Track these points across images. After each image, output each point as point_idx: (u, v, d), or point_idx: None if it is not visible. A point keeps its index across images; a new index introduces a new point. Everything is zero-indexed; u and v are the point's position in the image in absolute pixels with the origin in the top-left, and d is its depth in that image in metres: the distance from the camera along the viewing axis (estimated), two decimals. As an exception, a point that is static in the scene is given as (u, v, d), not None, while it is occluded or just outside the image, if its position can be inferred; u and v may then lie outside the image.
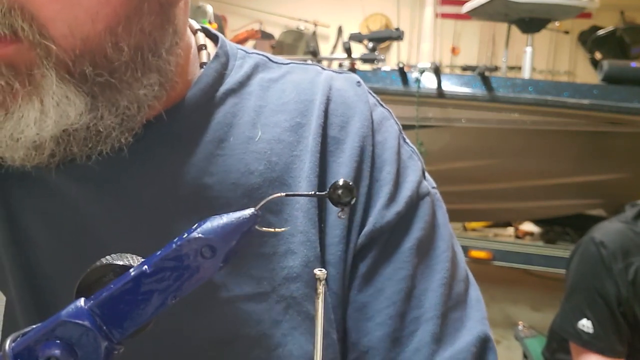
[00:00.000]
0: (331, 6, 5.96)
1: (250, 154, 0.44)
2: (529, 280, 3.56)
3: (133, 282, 0.27)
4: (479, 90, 2.66)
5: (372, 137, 0.47)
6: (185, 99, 0.44)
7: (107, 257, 0.29)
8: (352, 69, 2.89)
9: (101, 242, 0.41)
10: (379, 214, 0.45)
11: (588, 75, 4.77)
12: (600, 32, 4.36)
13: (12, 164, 0.38)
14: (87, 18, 0.34)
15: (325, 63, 3.46)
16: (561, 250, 3.02)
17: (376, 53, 3.12)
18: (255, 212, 0.28)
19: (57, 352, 0.27)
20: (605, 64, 2.67)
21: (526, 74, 3.07)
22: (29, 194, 0.42)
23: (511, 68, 4.01)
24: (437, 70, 2.67)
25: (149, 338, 0.39)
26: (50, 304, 0.41)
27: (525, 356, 1.89)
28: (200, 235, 0.27)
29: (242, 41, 4.67)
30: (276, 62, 0.51)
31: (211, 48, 0.50)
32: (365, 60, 3.09)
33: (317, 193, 0.30)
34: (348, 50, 2.98)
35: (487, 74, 2.71)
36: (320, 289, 0.28)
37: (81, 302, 0.27)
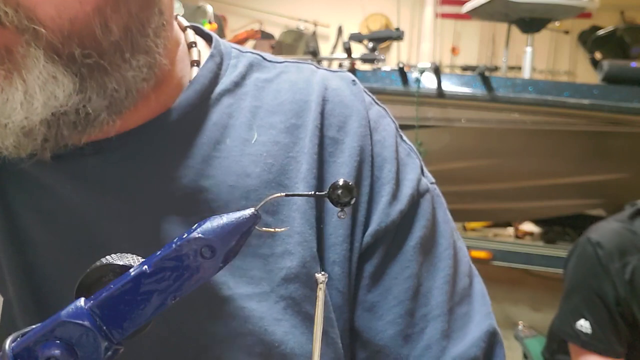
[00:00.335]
0: (331, 6, 5.96)
1: (247, 156, 0.44)
2: (529, 280, 3.56)
3: (133, 282, 0.27)
4: (479, 90, 2.66)
5: (371, 137, 0.48)
6: (181, 100, 0.44)
7: (107, 257, 0.29)
8: (352, 69, 2.89)
9: (99, 242, 0.41)
10: (384, 213, 0.45)
11: (588, 75, 4.77)
12: (601, 32, 4.36)
13: (6, 154, 0.38)
14: None
15: (325, 63, 3.46)
16: (561, 250, 3.02)
17: (376, 53, 3.12)
18: (255, 212, 0.28)
19: (57, 352, 0.26)
20: (606, 64, 2.67)
21: (526, 74, 3.08)
22: (26, 193, 0.42)
23: (511, 68, 4.01)
24: (437, 70, 2.67)
25: (151, 338, 0.39)
26: (49, 304, 0.41)
27: (525, 356, 1.89)
28: (200, 235, 0.27)
29: (242, 41, 4.66)
30: (270, 61, 0.51)
31: (203, 46, 0.49)
32: (365, 60, 3.09)
33: (317, 193, 0.30)
34: (348, 50, 2.98)
35: (487, 74, 2.71)
36: (320, 294, 0.28)
37: (81, 302, 0.27)
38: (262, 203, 0.28)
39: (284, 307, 0.42)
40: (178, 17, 0.49)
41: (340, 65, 3.11)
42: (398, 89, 2.69)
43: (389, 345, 0.44)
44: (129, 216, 0.41)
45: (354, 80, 0.51)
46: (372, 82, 2.69)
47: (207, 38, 0.51)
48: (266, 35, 5.45)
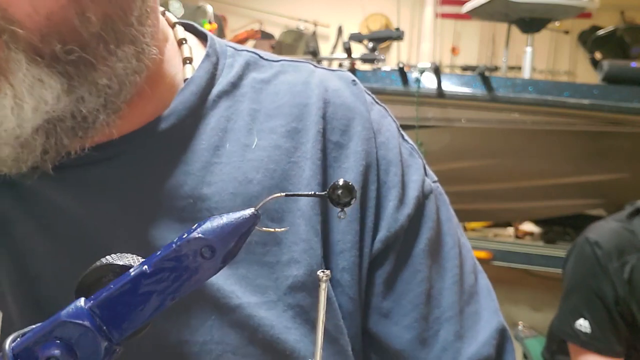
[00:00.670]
0: (331, 6, 5.96)
1: (248, 162, 0.43)
2: (529, 280, 3.56)
3: (133, 283, 0.27)
4: (479, 90, 2.66)
5: (375, 139, 0.47)
6: (177, 102, 0.43)
7: (107, 257, 0.29)
8: (352, 69, 2.89)
9: (100, 251, 0.40)
10: (392, 218, 0.45)
11: (588, 75, 4.76)
12: (601, 32, 4.36)
13: (6, 171, 0.36)
14: None
15: (325, 63, 3.46)
16: (561, 251, 3.02)
17: (376, 53, 3.12)
18: (255, 212, 0.28)
19: (56, 352, 0.26)
20: (606, 64, 2.67)
21: (526, 73, 3.07)
22: (23, 203, 0.41)
23: (511, 68, 4.01)
24: (437, 70, 2.67)
25: (161, 347, 0.39)
26: (52, 315, 0.40)
27: (525, 356, 1.89)
28: (200, 235, 0.27)
29: (242, 41, 4.66)
30: (267, 60, 0.50)
31: (195, 44, 0.48)
32: (365, 60, 3.09)
33: (317, 193, 0.29)
34: (348, 50, 2.97)
35: (487, 74, 2.71)
36: (322, 293, 0.28)
37: (81, 302, 0.27)
38: (262, 203, 0.28)
39: (292, 316, 0.41)
40: (166, 13, 0.48)
41: (340, 65, 3.10)
42: (398, 89, 2.69)
43: (406, 349, 0.45)
44: (130, 225, 0.40)
45: (354, 80, 0.51)
46: (372, 82, 2.69)
47: (201, 36, 0.50)
48: (266, 35, 5.45)
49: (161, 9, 0.46)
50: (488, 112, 2.69)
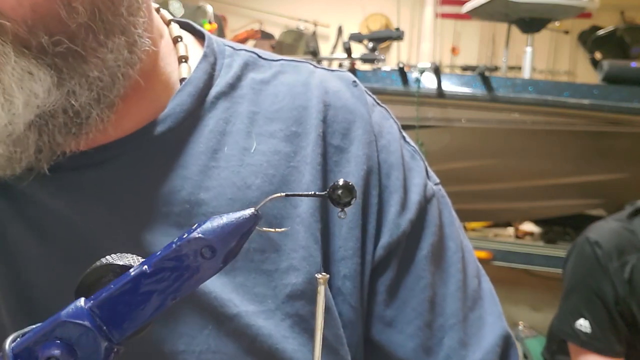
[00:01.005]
0: (331, 6, 5.95)
1: (247, 166, 0.42)
2: (529, 280, 3.56)
3: (133, 283, 0.27)
4: (479, 90, 2.66)
5: (376, 143, 0.46)
6: (175, 104, 0.42)
7: (107, 257, 0.29)
8: (352, 69, 2.89)
9: (96, 257, 0.40)
10: (394, 224, 0.44)
11: (588, 75, 4.76)
12: (601, 32, 4.36)
13: (3, 175, 0.36)
14: None
15: (325, 63, 3.46)
16: (561, 251, 3.01)
17: (376, 53, 3.12)
18: (255, 212, 0.28)
19: (56, 352, 0.26)
20: (606, 64, 2.67)
21: (526, 74, 3.07)
22: (16, 207, 0.40)
23: (511, 68, 4.01)
24: (437, 70, 2.67)
25: (158, 357, 0.38)
26: (45, 319, 0.40)
27: (525, 356, 1.89)
28: (200, 235, 0.27)
29: (242, 41, 4.66)
30: (266, 59, 0.49)
31: (191, 42, 0.48)
32: (365, 60, 3.09)
33: (318, 193, 0.29)
34: (348, 50, 2.97)
35: (487, 74, 2.70)
36: (320, 296, 0.28)
37: (81, 302, 0.27)
38: (262, 203, 0.28)
39: (291, 325, 0.41)
40: (161, 10, 0.47)
41: (340, 65, 3.10)
42: (398, 89, 2.69)
43: (410, 358, 0.44)
44: (125, 230, 0.40)
45: (354, 81, 0.50)
46: (372, 82, 2.69)
47: (198, 34, 0.49)
48: (266, 35, 5.44)
49: (156, 5, 0.45)
50: (488, 112, 2.69)
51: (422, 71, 2.68)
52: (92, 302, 0.27)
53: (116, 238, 0.39)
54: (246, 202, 0.41)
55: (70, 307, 0.27)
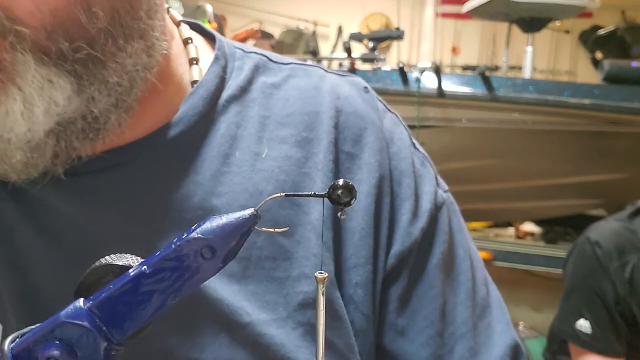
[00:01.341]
0: (331, 6, 5.96)
1: (258, 172, 0.42)
2: (530, 280, 3.56)
3: (132, 283, 0.27)
4: (480, 90, 2.66)
5: (387, 150, 0.46)
6: (187, 108, 0.42)
7: (107, 257, 0.29)
8: (352, 69, 2.89)
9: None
10: (406, 232, 0.44)
11: (589, 75, 4.76)
12: (601, 32, 4.36)
13: (16, 178, 0.35)
14: None
15: (325, 63, 3.46)
16: (562, 251, 3.01)
17: (376, 53, 3.12)
18: (255, 212, 0.28)
19: (56, 352, 0.26)
20: (606, 63, 2.66)
21: (527, 73, 3.07)
22: (26, 212, 0.40)
23: (512, 68, 4.01)
24: (437, 70, 2.67)
25: None
26: None
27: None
28: (200, 235, 0.27)
29: (242, 41, 4.65)
30: (276, 62, 0.49)
31: (201, 43, 0.47)
32: (365, 60, 3.09)
33: (317, 193, 0.29)
34: (348, 50, 2.97)
35: (487, 73, 2.70)
36: (320, 294, 0.28)
37: (80, 302, 0.27)
38: (261, 203, 0.28)
39: (302, 334, 0.40)
40: (170, 10, 0.47)
41: (340, 65, 3.10)
42: (398, 89, 2.69)
43: None
44: (137, 235, 0.39)
45: (365, 87, 0.49)
46: (372, 82, 2.68)
47: (208, 36, 0.48)
48: (266, 35, 5.45)
49: (167, 5, 0.45)
50: (488, 112, 2.69)
51: (422, 71, 2.68)
52: (91, 302, 0.27)
53: (126, 242, 0.39)
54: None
55: (70, 308, 0.27)
